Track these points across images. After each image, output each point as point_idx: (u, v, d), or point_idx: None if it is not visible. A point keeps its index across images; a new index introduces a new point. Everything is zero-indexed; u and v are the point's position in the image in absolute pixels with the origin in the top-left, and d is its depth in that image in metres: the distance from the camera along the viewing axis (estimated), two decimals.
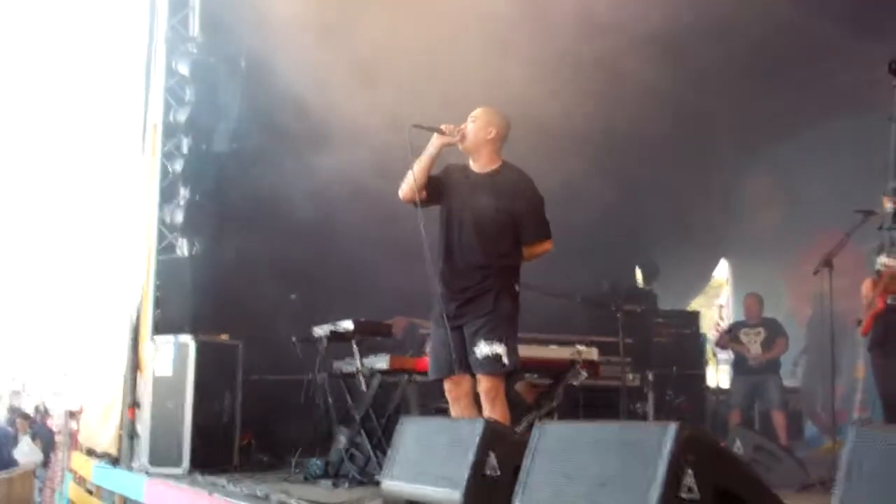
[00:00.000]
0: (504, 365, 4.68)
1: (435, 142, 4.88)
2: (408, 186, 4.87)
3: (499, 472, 3.79)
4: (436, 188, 4.96)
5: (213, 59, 8.67)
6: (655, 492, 2.74)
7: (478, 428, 3.87)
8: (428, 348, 5.21)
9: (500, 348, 4.66)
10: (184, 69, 8.51)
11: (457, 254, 4.91)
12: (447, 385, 4.90)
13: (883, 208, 3.62)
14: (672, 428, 2.79)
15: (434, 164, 4.93)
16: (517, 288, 4.90)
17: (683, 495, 2.75)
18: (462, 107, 5.11)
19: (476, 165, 5.01)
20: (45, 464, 14.16)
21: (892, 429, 2.22)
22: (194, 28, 8.76)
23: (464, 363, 4.78)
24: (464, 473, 3.78)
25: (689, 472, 2.74)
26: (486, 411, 4.66)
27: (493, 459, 3.81)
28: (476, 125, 4.93)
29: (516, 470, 3.52)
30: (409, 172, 4.86)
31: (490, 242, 4.85)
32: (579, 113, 7.84)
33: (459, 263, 4.89)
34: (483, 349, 4.66)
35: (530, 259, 4.99)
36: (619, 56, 7.61)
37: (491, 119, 4.96)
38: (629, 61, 7.75)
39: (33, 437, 14.51)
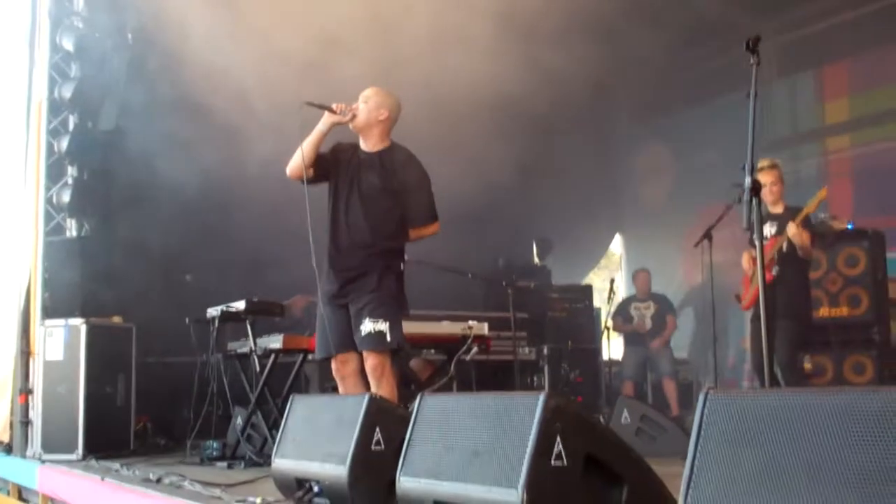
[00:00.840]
0: (387, 342, 4.74)
1: (325, 120, 4.93)
2: (295, 164, 4.92)
3: (384, 447, 3.86)
4: (323, 166, 5.01)
5: (98, 34, 8.47)
6: (527, 459, 2.83)
7: (363, 404, 3.92)
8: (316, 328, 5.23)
9: (383, 326, 4.73)
10: (68, 44, 8.30)
11: (342, 233, 4.95)
12: (334, 364, 4.96)
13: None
14: (540, 398, 2.88)
15: (322, 142, 4.97)
16: (402, 267, 4.96)
17: (553, 462, 2.84)
18: (359, 88, 5.14)
19: (366, 145, 5.05)
20: None
21: (740, 393, 2.34)
22: (79, 2, 8.54)
23: (350, 342, 4.83)
24: (349, 449, 3.84)
25: (558, 439, 2.84)
26: (373, 388, 4.72)
27: (378, 434, 3.87)
28: (368, 106, 4.97)
29: (402, 444, 3.58)
30: (299, 150, 4.89)
31: (376, 222, 4.90)
32: (474, 87, 7.94)
33: (345, 242, 4.93)
34: (367, 326, 4.72)
35: (416, 240, 5.05)
36: (519, 35, 7.71)
37: (383, 100, 5.01)
38: (529, 40, 7.85)
39: None
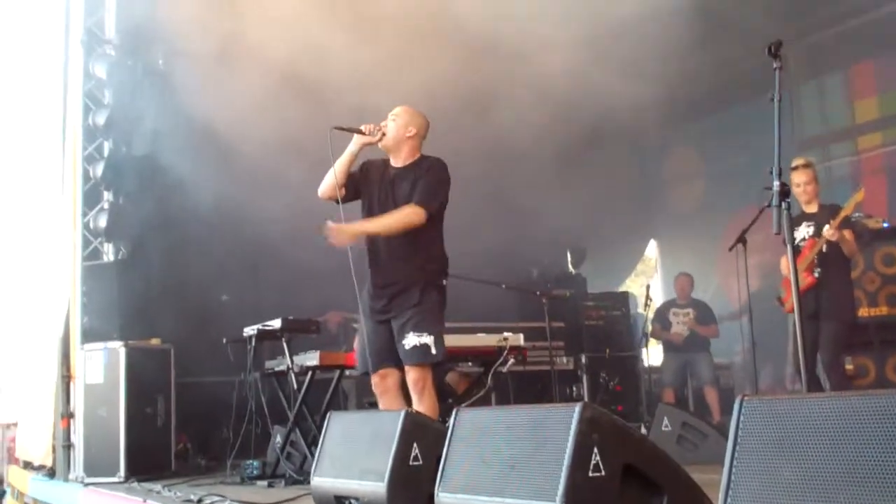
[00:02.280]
0: (432, 355, 4.74)
1: (356, 141, 4.98)
2: (326, 185, 4.97)
3: (422, 462, 3.85)
4: (354, 185, 5.05)
5: (130, 62, 8.58)
6: (564, 472, 2.81)
7: (399, 419, 3.91)
8: (356, 344, 5.24)
9: (427, 339, 4.72)
10: (101, 72, 8.41)
11: (381, 248, 4.96)
12: (374, 379, 4.95)
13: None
14: (576, 409, 2.86)
15: (353, 162, 5.01)
16: (444, 281, 4.96)
17: (591, 474, 2.82)
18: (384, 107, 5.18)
19: (395, 162, 5.06)
20: None
21: (777, 399, 2.30)
22: (110, 30, 8.66)
23: (392, 356, 4.83)
24: (387, 465, 3.83)
25: (595, 450, 2.81)
26: (415, 402, 4.71)
27: (415, 449, 3.86)
28: (396, 123, 5.00)
29: (439, 458, 3.57)
30: (330, 171, 4.95)
31: (410, 234, 4.90)
32: (506, 98, 7.96)
33: (384, 257, 4.94)
34: (411, 340, 4.72)
35: (393, 221, 4.88)
36: (547, 42, 7.70)
37: (411, 118, 5.04)
38: (555, 47, 7.84)
39: None
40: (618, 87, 8.35)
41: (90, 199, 8.37)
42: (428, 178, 4.92)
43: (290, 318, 6.56)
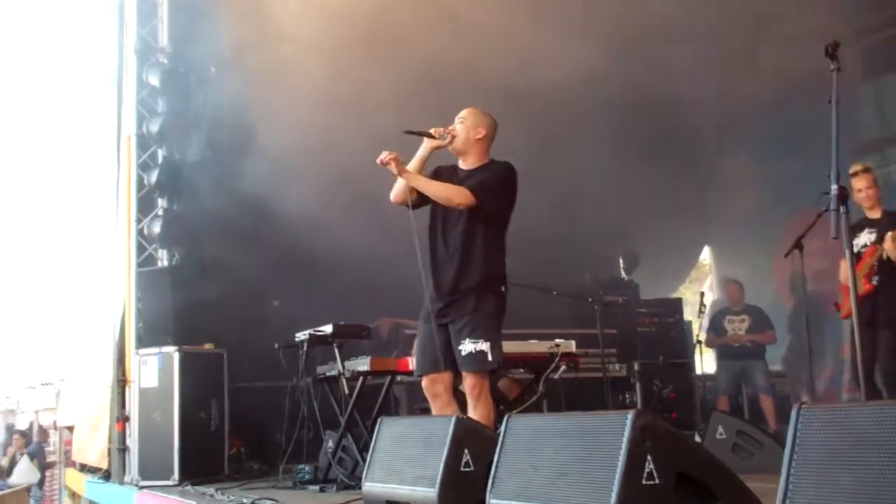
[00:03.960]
0: (489, 362, 4.70)
1: (425, 145, 4.98)
2: (397, 189, 4.98)
3: (473, 468, 3.83)
4: None
5: (182, 69, 8.71)
6: (617, 479, 2.78)
7: (450, 425, 3.90)
8: (415, 346, 5.24)
9: (484, 346, 4.68)
10: (154, 80, 8.56)
11: (439, 253, 4.95)
12: (425, 382, 4.94)
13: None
14: (629, 416, 2.83)
15: (424, 166, 5.00)
16: (503, 288, 4.92)
17: (645, 482, 2.78)
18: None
19: (465, 164, 5.04)
20: (42, 482, 14.16)
21: (835, 407, 2.25)
22: (163, 39, 8.79)
23: (446, 361, 4.81)
24: (438, 471, 3.82)
25: (649, 458, 2.78)
26: (471, 408, 4.68)
27: (466, 455, 3.85)
28: (465, 126, 4.98)
29: (490, 465, 3.56)
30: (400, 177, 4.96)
31: (470, 240, 4.86)
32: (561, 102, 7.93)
33: (442, 262, 4.92)
34: (467, 346, 4.68)
35: (436, 186, 4.90)
36: (598, 42, 7.67)
37: (479, 119, 5.02)
38: (607, 49, 7.80)
39: (32, 457, 14.52)
40: (676, 91, 8.29)
41: (145, 206, 8.52)
42: (490, 175, 4.90)
43: (342, 323, 6.58)
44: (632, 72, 8.32)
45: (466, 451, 3.88)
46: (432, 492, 3.83)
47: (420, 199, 5.00)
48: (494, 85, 7.40)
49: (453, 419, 3.95)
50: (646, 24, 7.79)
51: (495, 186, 4.87)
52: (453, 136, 4.96)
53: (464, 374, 4.74)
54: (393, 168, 4.83)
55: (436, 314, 4.87)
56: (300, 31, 7.65)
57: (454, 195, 4.80)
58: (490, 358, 4.69)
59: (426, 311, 4.95)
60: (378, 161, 4.82)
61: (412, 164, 4.94)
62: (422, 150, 4.97)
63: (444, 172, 5.06)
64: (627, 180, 10.25)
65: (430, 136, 4.95)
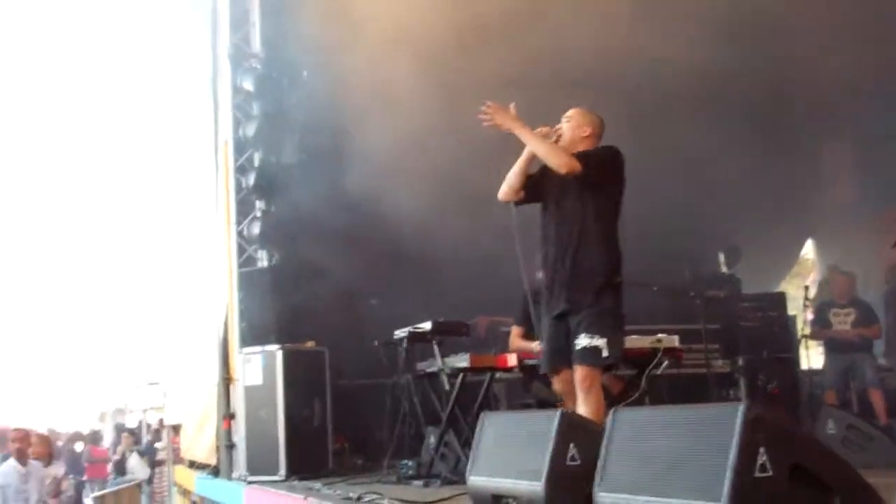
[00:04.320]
0: (603, 358, 4.69)
1: None
2: (504, 188, 5.06)
3: (579, 462, 3.81)
4: (532, 187, 5.09)
5: (275, 74, 8.87)
6: (730, 471, 2.73)
7: (555, 420, 3.88)
8: (538, 345, 5.29)
9: (599, 341, 4.67)
10: (248, 85, 8.74)
11: (551, 248, 4.98)
12: (555, 380, 4.99)
13: None
14: (740, 408, 2.77)
15: (530, 165, 5.04)
16: (619, 280, 4.90)
17: (758, 474, 2.73)
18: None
19: None
20: (151, 479, 14.57)
21: None
22: (255, 44, 8.96)
23: (569, 357, 4.82)
24: (544, 465, 3.81)
25: (762, 449, 2.72)
26: (580, 401, 4.67)
27: (572, 449, 3.83)
28: (571, 125, 5.04)
29: (597, 458, 3.53)
30: (508, 175, 5.04)
31: (583, 233, 4.86)
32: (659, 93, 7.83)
33: (556, 256, 4.94)
34: (583, 341, 4.69)
35: (543, 146, 4.90)
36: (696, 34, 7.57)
37: (585, 118, 5.07)
38: (703, 40, 7.68)
39: (142, 454, 14.96)
40: (779, 79, 8.10)
41: (243, 208, 8.70)
42: (595, 151, 4.93)
43: (441, 320, 6.62)
44: (733, 60, 8.15)
45: (572, 444, 3.86)
46: (538, 485, 3.82)
47: (526, 197, 5.06)
48: (593, 78, 7.35)
49: (558, 414, 3.94)
50: (754, 9, 7.63)
51: (601, 159, 4.88)
52: (559, 136, 5.00)
53: (574, 367, 4.74)
54: (500, 120, 4.88)
55: (555, 308, 4.90)
56: (391, 29, 7.71)
57: (562, 158, 4.80)
58: (605, 354, 4.69)
59: (548, 308, 4.98)
60: (484, 110, 4.89)
61: (519, 163, 5.01)
62: (527, 149, 5.00)
63: (550, 171, 5.03)
64: (727, 172, 10.06)
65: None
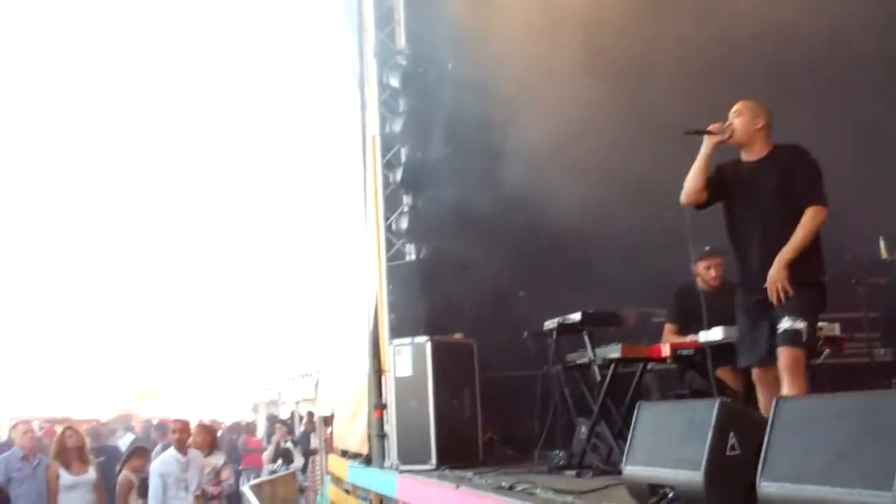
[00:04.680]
0: (803, 340, 4.71)
1: (707, 143, 5.06)
2: (686, 191, 5.11)
3: (739, 451, 3.75)
4: (713, 188, 5.11)
5: (421, 69, 8.97)
6: None
7: (714, 409, 3.83)
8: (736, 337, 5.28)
9: (801, 325, 4.70)
10: (395, 81, 8.87)
11: (747, 247, 5.02)
12: (755, 372, 5.03)
13: None
14: None
15: (709, 165, 5.08)
16: (823, 278, 4.94)
17: None
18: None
19: (748, 156, 5.09)
20: (305, 468, 14.98)
21: None
22: (401, 40, 9.09)
23: (770, 350, 4.84)
24: (703, 454, 3.76)
25: None
26: (785, 385, 4.66)
27: (732, 439, 3.77)
28: (743, 119, 5.05)
29: (757, 448, 3.47)
30: (688, 177, 5.10)
31: (776, 228, 4.88)
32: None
33: (755, 256, 4.96)
34: (785, 324, 4.72)
35: (807, 232, 4.84)
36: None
37: (755, 110, 5.08)
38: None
39: (295, 444, 15.40)
40: None
41: (391, 203, 8.84)
42: (806, 171, 4.90)
43: (591, 311, 6.58)
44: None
45: (732, 434, 3.81)
46: (697, 475, 3.78)
47: (710, 198, 5.12)
48: (746, 62, 7.17)
49: (717, 403, 3.88)
50: None
51: (815, 179, 4.91)
52: (732, 131, 5.03)
53: (779, 350, 4.75)
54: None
55: (753, 303, 4.96)
56: (539, 15, 7.69)
57: (819, 221, 4.85)
58: (805, 337, 4.72)
59: (744, 303, 5.07)
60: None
61: (697, 164, 5.06)
62: (705, 147, 5.05)
63: (728, 169, 5.15)
64: (884, 151, 9.62)
65: (710, 133, 5.04)
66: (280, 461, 14.43)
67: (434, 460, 7.38)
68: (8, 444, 11.86)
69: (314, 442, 15.77)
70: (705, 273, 6.69)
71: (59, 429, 9.22)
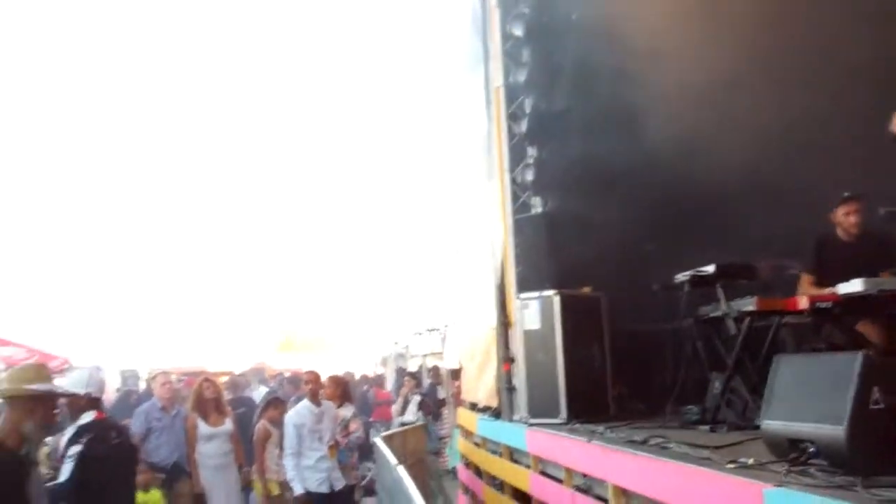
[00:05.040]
0: None
1: None
2: None
3: (883, 405, 3.62)
4: None
5: (545, 18, 8.83)
6: None
7: (856, 362, 3.70)
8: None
9: None
10: (518, 31, 8.76)
11: None
12: None
13: None
14: None
15: None
16: None
17: None
18: None
19: None
20: (434, 420, 15.18)
21: None
22: None
23: None
24: (846, 408, 3.65)
25: None
26: None
27: (876, 393, 3.64)
28: None
29: None
30: None
31: None
32: None
33: None
34: None
35: None
36: None
37: None
38: None
39: (423, 397, 15.60)
40: None
41: (516, 155, 8.77)
42: None
43: (725, 263, 6.42)
44: None
45: (876, 388, 3.68)
46: (840, 429, 3.67)
47: None
48: None
49: (860, 355, 3.74)
50: None
51: None
52: None
53: None
54: None
55: None
56: None
57: None
58: None
59: None
60: None
61: None
62: None
63: None
64: None
65: None
66: (418, 412, 14.60)
67: (564, 414, 7.38)
68: (147, 395, 12.45)
69: (441, 395, 15.99)
70: (844, 220, 6.42)
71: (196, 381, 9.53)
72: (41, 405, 4.46)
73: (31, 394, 4.43)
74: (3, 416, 4.47)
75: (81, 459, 5.64)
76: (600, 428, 6.49)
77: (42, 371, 4.64)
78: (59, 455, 5.88)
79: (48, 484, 5.64)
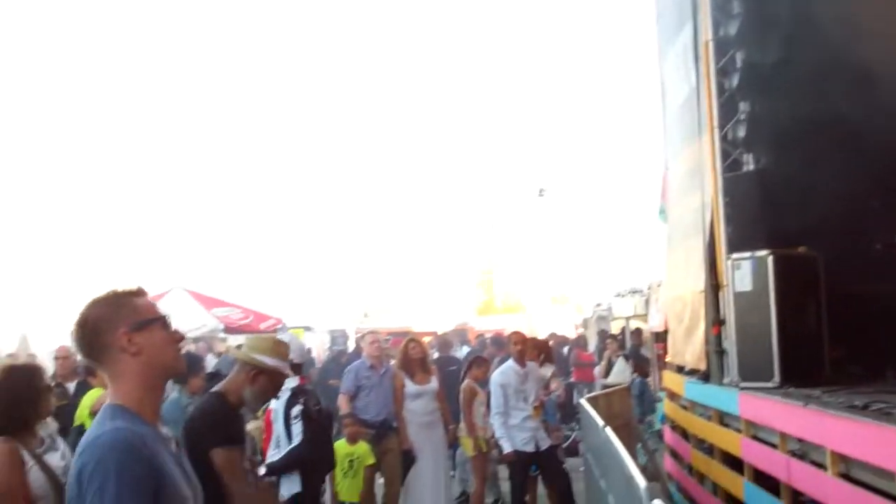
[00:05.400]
0: None
1: None
2: None
3: None
4: None
5: None
6: None
7: None
8: None
9: None
10: None
11: None
12: None
13: None
14: None
15: None
16: None
17: None
18: None
19: None
20: (639, 382, 15.01)
21: None
22: None
23: None
24: None
25: None
26: None
27: None
28: None
29: None
30: None
31: None
32: None
33: None
34: None
35: None
36: None
37: None
38: None
39: (626, 359, 15.48)
40: None
41: (726, 111, 8.46)
42: None
43: None
44: None
45: None
46: None
47: None
48: None
49: None
50: None
51: None
52: None
53: None
54: None
55: None
56: None
57: None
58: None
59: None
60: None
61: None
62: None
63: None
64: None
65: None
66: (633, 374, 14.47)
67: (777, 378, 7.13)
68: (356, 356, 12.95)
69: (648, 357, 15.78)
70: None
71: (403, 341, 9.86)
72: (266, 377, 4.70)
73: (258, 364, 4.68)
74: (235, 372, 4.76)
75: (306, 417, 5.99)
76: (816, 392, 6.24)
77: (277, 347, 4.89)
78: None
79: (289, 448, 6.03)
